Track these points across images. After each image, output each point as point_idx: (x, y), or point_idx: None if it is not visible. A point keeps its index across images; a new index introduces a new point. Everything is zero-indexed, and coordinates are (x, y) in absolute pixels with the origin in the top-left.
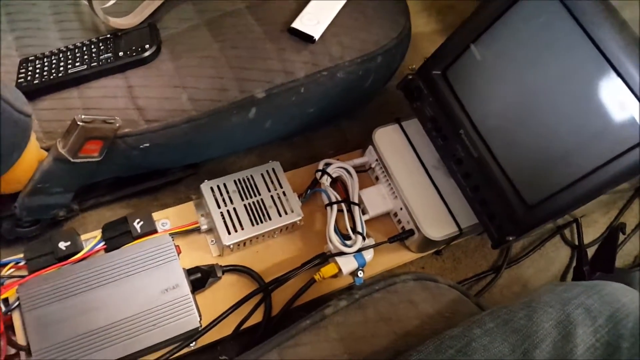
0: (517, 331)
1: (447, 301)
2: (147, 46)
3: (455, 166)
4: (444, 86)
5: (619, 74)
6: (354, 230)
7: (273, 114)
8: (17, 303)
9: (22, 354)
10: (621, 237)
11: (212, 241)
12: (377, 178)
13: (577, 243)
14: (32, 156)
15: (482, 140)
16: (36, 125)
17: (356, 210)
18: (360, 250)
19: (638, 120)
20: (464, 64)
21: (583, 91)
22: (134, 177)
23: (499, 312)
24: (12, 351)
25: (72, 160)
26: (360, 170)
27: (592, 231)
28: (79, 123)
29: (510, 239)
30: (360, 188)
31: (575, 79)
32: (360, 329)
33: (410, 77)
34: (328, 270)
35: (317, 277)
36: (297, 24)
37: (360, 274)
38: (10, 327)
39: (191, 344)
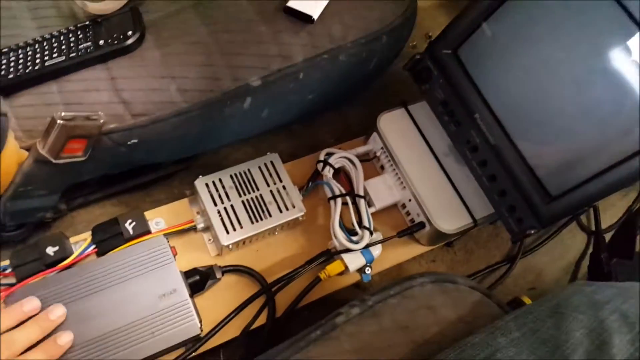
0: (546, 342)
1: (468, 304)
2: (129, 33)
3: (470, 154)
4: (455, 66)
5: None
6: (360, 224)
7: (270, 103)
8: None
9: None
10: None
11: (209, 240)
12: (382, 167)
13: (594, 229)
14: (11, 158)
15: (499, 125)
16: (14, 123)
17: (362, 203)
18: (367, 246)
19: None
20: (477, 41)
21: (614, 67)
22: (124, 173)
23: (524, 318)
24: None
25: (54, 161)
26: (364, 159)
27: (610, 215)
28: (58, 121)
29: (532, 232)
30: (365, 178)
31: (605, 53)
32: (376, 339)
33: (418, 57)
34: (334, 267)
35: (322, 275)
36: (293, 3)
37: (367, 270)
38: None
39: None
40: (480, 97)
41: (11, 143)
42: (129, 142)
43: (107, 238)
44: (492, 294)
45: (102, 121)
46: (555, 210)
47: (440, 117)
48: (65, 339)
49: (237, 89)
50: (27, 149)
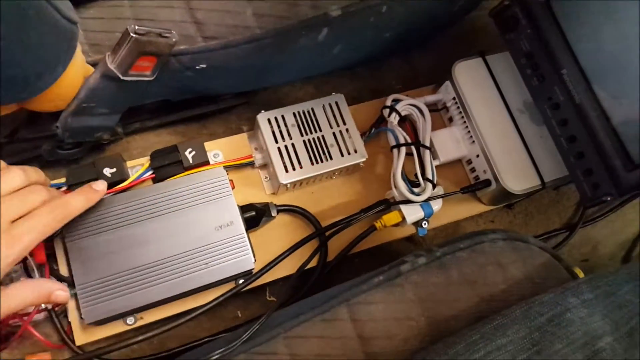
0: (622, 307)
1: (537, 265)
2: None
3: (551, 111)
4: (546, 17)
5: None
6: (423, 176)
7: (345, 37)
8: (59, 231)
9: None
10: None
11: (266, 177)
12: (450, 119)
13: None
14: (78, 71)
15: (587, 83)
16: (81, 36)
17: (427, 154)
18: (428, 199)
19: None
20: None
21: None
22: (183, 103)
23: (598, 281)
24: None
25: (122, 77)
26: (431, 109)
27: None
28: (132, 34)
29: (608, 199)
30: (431, 129)
31: None
32: (441, 291)
33: (506, 2)
34: (390, 218)
35: (378, 224)
36: None
37: (424, 224)
38: (51, 256)
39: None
40: (569, 51)
41: (78, 55)
42: (196, 67)
43: (166, 164)
44: (562, 258)
45: (174, 40)
46: (636, 179)
47: (522, 70)
48: (100, 185)
49: (314, 18)
50: (93, 64)
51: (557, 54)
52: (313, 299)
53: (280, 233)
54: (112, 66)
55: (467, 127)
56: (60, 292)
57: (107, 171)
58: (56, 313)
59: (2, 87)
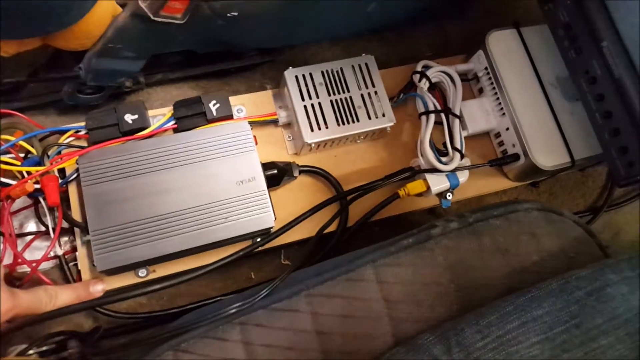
0: None
1: (571, 239)
2: None
3: (587, 85)
4: None
5: None
6: (451, 145)
7: None
8: (75, 175)
9: (77, 230)
10: None
11: (289, 137)
12: (480, 90)
13: None
14: (107, 8)
15: (628, 57)
16: None
17: (456, 123)
18: (455, 169)
19: None
20: None
21: None
22: (207, 56)
23: (638, 260)
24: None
25: (152, 17)
26: (461, 79)
27: None
28: None
29: None
30: None
31: None
32: (472, 258)
33: None
34: (415, 186)
35: (401, 192)
36: None
37: (449, 196)
38: (65, 200)
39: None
40: (611, 23)
41: None
42: (228, 14)
43: (189, 115)
44: (596, 234)
45: None
46: None
47: (559, 41)
48: (99, 288)
49: None
50: (122, 5)
51: (597, 26)
52: (337, 259)
53: (300, 194)
54: (143, 5)
55: (497, 99)
56: (97, 286)
57: (129, 117)
58: (66, 260)
59: (28, 17)
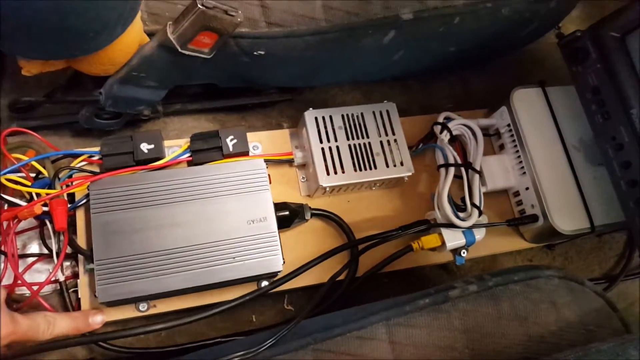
0: None
1: (592, 311)
2: None
3: (613, 152)
4: (619, 53)
5: None
6: (470, 201)
7: (410, 44)
8: (84, 201)
9: (80, 257)
10: None
11: (303, 178)
12: (501, 147)
13: None
14: (135, 37)
15: None
16: (142, 3)
17: (476, 178)
18: (473, 226)
19: None
20: None
21: None
22: (225, 91)
23: None
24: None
25: (179, 50)
26: (483, 134)
27: None
28: (199, 6)
29: None
30: None
31: None
32: (489, 323)
33: (578, 34)
34: (429, 240)
35: (415, 245)
36: None
37: (464, 253)
38: (71, 225)
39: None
40: None
41: (138, 21)
42: (255, 52)
43: (205, 149)
44: (618, 308)
45: (239, 20)
46: None
47: (586, 105)
48: (99, 320)
49: (385, 19)
50: (149, 34)
51: (627, 93)
52: (347, 312)
53: (310, 238)
54: (172, 36)
55: (519, 157)
56: (96, 317)
57: (145, 146)
58: (67, 287)
59: (58, 39)
